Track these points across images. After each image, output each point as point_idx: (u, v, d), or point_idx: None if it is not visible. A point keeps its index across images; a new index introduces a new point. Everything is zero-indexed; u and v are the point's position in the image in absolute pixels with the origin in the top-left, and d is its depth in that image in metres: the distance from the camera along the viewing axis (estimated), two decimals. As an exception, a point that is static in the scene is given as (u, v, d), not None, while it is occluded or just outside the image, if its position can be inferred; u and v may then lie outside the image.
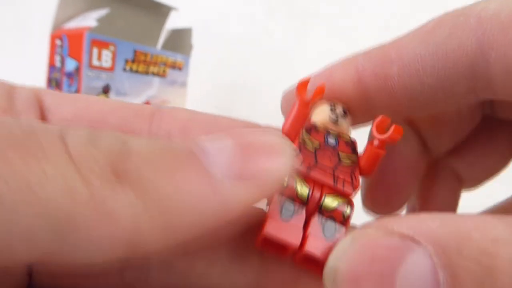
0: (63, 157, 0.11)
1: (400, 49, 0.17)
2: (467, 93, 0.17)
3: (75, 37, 0.50)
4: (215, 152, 0.12)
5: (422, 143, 0.21)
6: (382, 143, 0.16)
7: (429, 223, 0.12)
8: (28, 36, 0.82)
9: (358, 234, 0.13)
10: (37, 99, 0.17)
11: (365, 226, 0.14)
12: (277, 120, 0.74)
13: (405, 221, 0.13)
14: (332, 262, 0.13)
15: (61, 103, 0.17)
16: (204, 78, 0.78)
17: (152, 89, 0.57)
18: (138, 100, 0.55)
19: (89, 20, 0.51)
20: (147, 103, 0.57)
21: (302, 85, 0.17)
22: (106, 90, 0.51)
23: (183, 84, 0.61)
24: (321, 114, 0.17)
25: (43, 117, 0.17)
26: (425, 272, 0.12)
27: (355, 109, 0.18)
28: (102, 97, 0.19)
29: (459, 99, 0.17)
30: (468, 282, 0.11)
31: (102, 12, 0.52)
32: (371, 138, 0.17)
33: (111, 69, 0.51)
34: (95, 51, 0.49)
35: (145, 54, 0.55)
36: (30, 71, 0.69)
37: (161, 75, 0.58)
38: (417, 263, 0.12)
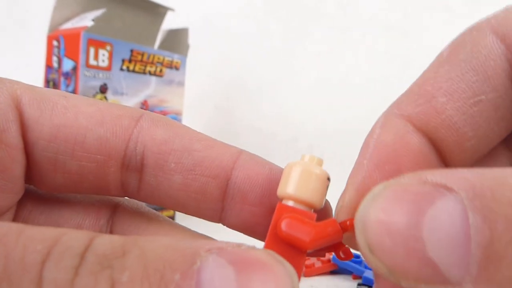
0: None
1: (433, 81, 0.16)
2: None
3: (71, 37, 0.50)
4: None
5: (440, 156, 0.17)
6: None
7: (465, 172, 0.12)
8: (25, 38, 0.82)
9: (391, 182, 0.14)
10: (16, 108, 0.17)
11: (399, 176, 0.14)
12: (275, 120, 0.75)
13: (440, 172, 0.13)
14: (363, 207, 0.14)
15: (40, 117, 0.17)
16: (202, 77, 0.78)
17: (149, 88, 0.57)
18: (136, 99, 0.56)
19: (86, 20, 0.51)
20: (145, 102, 0.57)
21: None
22: (103, 90, 0.52)
23: (181, 84, 0.61)
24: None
25: (23, 132, 0.17)
26: (455, 215, 0.12)
27: (424, 163, 0.16)
28: (80, 102, 0.17)
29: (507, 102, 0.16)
30: (501, 224, 0.11)
31: (98, 12, 0.52)
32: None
33: (108, 68, 0.52)
34: (91, 50, 0.50)
35: (142, 54, 0.55)
36: (28, 72, 0.69)
37: (158, 74, 0.58)
38: (447, 207, 0.12)
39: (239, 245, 0.13)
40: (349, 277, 0.42)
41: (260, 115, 0.78)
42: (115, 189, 0.18)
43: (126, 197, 0.19)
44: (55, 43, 0.53)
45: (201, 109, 0.81)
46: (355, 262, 0.42)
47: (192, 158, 0.17)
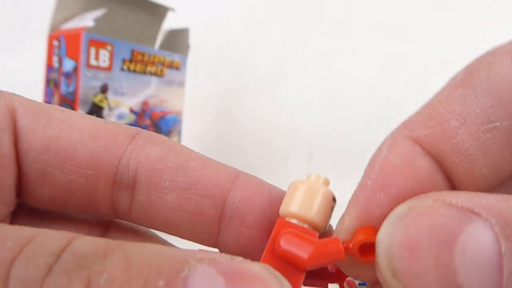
0: None
1: (446, 103, 0.15)
2: None
3: (72, 37, 0.50)
4: None
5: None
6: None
7: (489, 197, 0.12)
8: (26, 38, 0.82)
9: (415, 204, 0.13)
10: (11, 117, 0.16)
11: (420, 197, 0.13)
12: (275, 119, 0.75)
13: (464, 195, 0.12)
14: (386, 229, 0.13)
15: (33, 128, 0.16)
16: (203, 78, 0.78)
17: (150, 88, 0.57)
18: (137, 99, 0.56)
19: (87, 20, 0.52)
20: (145, 102, 0.57)
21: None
22: (104, 90, 0.52)
23: (181, 84, 0.62)
24: None
25: (16, 142, 0.16)
26: (486, 242, 0.11)
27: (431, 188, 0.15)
28: (77, 117, 0.17)
29: None
30: None
31: (99, 12, 0.52)
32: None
33: (109, 68, 0.52)
34: (92, 50, 0.50)
35: (143, 54, 0.55)
36: (29, 72, 0.69)
37: (159, 74, 0.58)
38: (478, 233, 0.12)
39: (232, 257, 0.12)
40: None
41: (260, 115, 0.78)
42: (104, 208, 0.18)
43: (116, 219, 0.19)
44: (55, 43, 0.53)
45: (202, 109, 0.81)
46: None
47: (188, 176, 0.17)
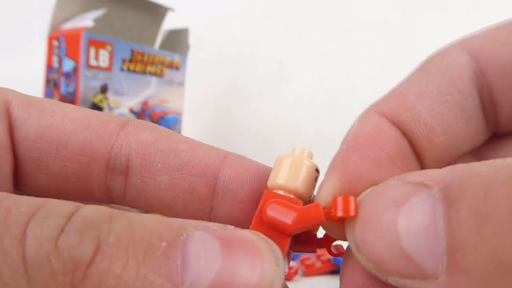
0: (18, 272, 0.11)
1: (405, 84, 0.17)
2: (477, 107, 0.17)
3: (72, 37, 0.50)
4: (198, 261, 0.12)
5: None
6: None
7: (440, 170, 0.13)
8: (26, 38, 0.82)
9: (377, 186, 0.15)
10: (6, 110, 0.17)
11: (385, 181, 0.15)
12: (275, 119, 0.74)
13: (421, 171, 0.14)
14: (352, 208, 0.15)
15: (27, 119, 0.17)
16: (202, 78, 0.78)
17: (149, 88, 0.57)
18: (137, 99, 0.56)
19: (86, 20, 0.52)
20: (145, 102, 0.57)
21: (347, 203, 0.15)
22: (104, 90, 0.52)
23: (181, 84, 0.62)
24: None
25: (11, 132, 0.17)
26: (425, 207, 0.13)
27: (400, 157, 0.16)
28: (69, 108, 0.18)
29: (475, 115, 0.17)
30: (464, 211, 0.12)
31: (99, 12, 0.52)
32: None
33: (109, 68, 0.52)
34: (92, 51, 0.50)
35: (142, 54, 0.55)
36: (28, 72, 0.69)
37: (159, 74, 0.58)
38: (421, 201, 0.13)
39: (224, 226, 0.13)
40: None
41: (260, 115, 0.78)
42: (99, 193, 0.18)
43: (111, 204, 0.19)
44: (55, 43, 0.53)
45: (202, 109, 0.81)
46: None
47: (179, 158, 0.18)
